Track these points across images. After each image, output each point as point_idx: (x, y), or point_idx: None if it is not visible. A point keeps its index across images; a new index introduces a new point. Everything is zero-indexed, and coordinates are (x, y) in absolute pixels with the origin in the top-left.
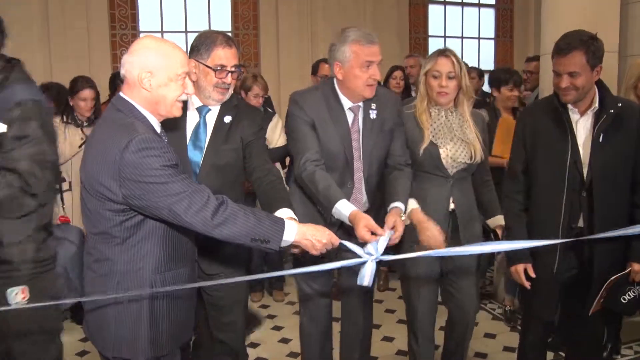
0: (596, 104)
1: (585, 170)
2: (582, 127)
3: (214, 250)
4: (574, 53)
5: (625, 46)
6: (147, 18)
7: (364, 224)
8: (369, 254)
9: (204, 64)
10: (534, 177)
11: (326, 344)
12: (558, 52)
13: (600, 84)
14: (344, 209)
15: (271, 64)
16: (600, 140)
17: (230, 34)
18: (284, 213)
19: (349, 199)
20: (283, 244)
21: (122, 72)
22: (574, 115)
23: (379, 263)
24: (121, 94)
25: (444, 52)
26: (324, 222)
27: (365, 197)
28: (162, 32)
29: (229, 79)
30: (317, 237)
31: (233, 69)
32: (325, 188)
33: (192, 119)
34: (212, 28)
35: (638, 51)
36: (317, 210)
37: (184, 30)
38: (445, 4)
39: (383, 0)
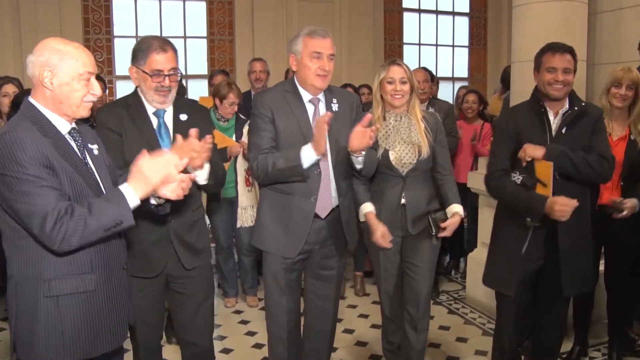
0: (566, 106)
1: None
2: (554, 126)
3: (192, 245)
4: (567, 53)
5: (593, 55)
6: (121, 23)
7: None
8: None
9: (142, 70)
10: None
11: (292, 348)
12: (555, 50)
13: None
14: (307, 150)
15: (246, 70)
16: (563, 131)
17: (205, 40)
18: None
19: (318, 187)
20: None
21: (28, 72)
22: (550, 117)
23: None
24: (29, 97)
25: (395, 61)
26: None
27: (334, 184)
28: (136, 37)
29: (167, 82)
30: (154, 170)
31: (170, 73)
32: (279, 156)
33: (153, 123)
34: (187, 34)
35: (606, 60)
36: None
37: (159, 35)
38: (419, 12)
39: (358, 8)
